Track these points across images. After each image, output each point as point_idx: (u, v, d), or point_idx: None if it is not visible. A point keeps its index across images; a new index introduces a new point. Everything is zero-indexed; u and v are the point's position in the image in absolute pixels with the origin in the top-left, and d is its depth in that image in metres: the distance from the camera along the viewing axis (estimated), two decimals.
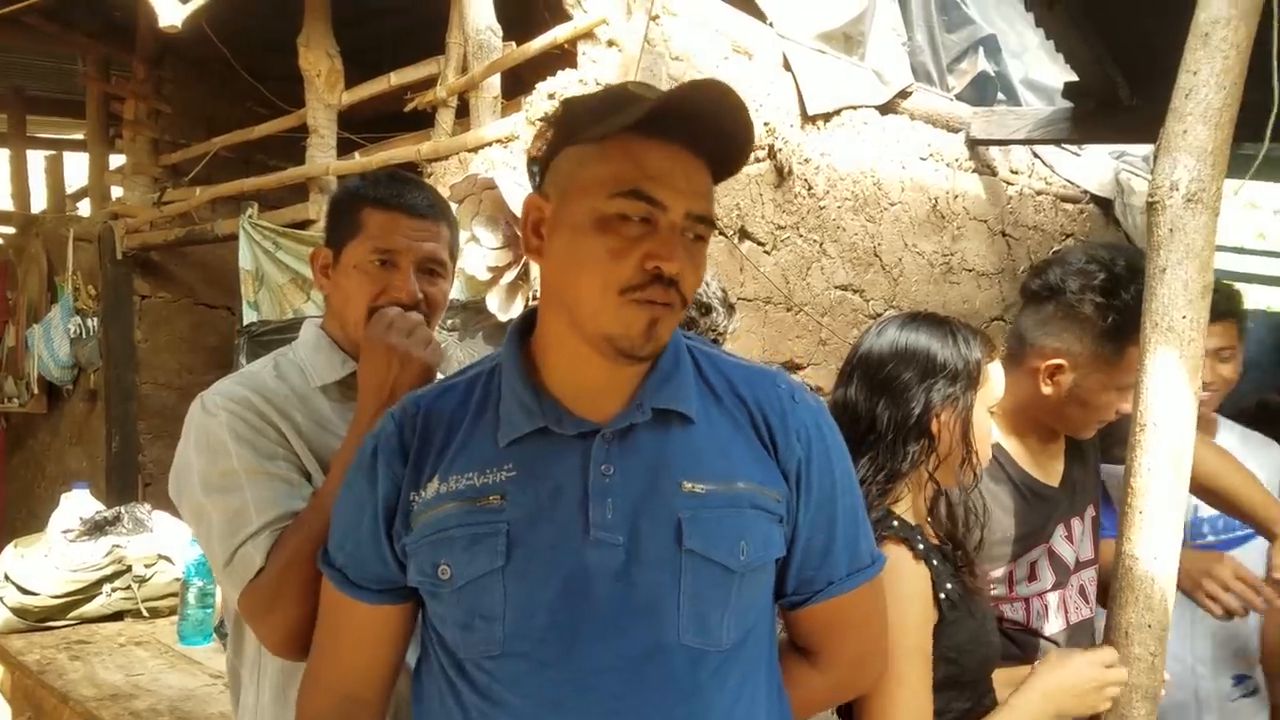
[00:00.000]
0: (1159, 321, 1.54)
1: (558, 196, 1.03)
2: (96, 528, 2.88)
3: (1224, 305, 1.71)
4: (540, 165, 1.08)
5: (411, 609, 1.13)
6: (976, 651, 1.44)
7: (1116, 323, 1.64)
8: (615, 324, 0.99)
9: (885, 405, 1.43)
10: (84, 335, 5.03)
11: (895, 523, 1.39)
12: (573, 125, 1.03)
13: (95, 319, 5.07)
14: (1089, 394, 1.68)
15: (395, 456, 1.08)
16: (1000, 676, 1.51)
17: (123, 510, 3.01)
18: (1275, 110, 1.65)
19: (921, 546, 1.38)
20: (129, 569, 2.96)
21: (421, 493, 1.06)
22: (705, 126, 0.98)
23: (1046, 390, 1.71)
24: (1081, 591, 1.85)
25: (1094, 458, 1.92)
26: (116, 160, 5.67)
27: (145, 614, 2.97)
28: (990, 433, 1.51)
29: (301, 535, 1.22)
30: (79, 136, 6.51)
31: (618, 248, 0.98)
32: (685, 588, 1.03)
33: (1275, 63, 1.62)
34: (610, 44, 2.62)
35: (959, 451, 1.44)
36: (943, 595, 1.37)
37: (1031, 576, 1.77)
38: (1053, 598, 1.79)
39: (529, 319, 1.13)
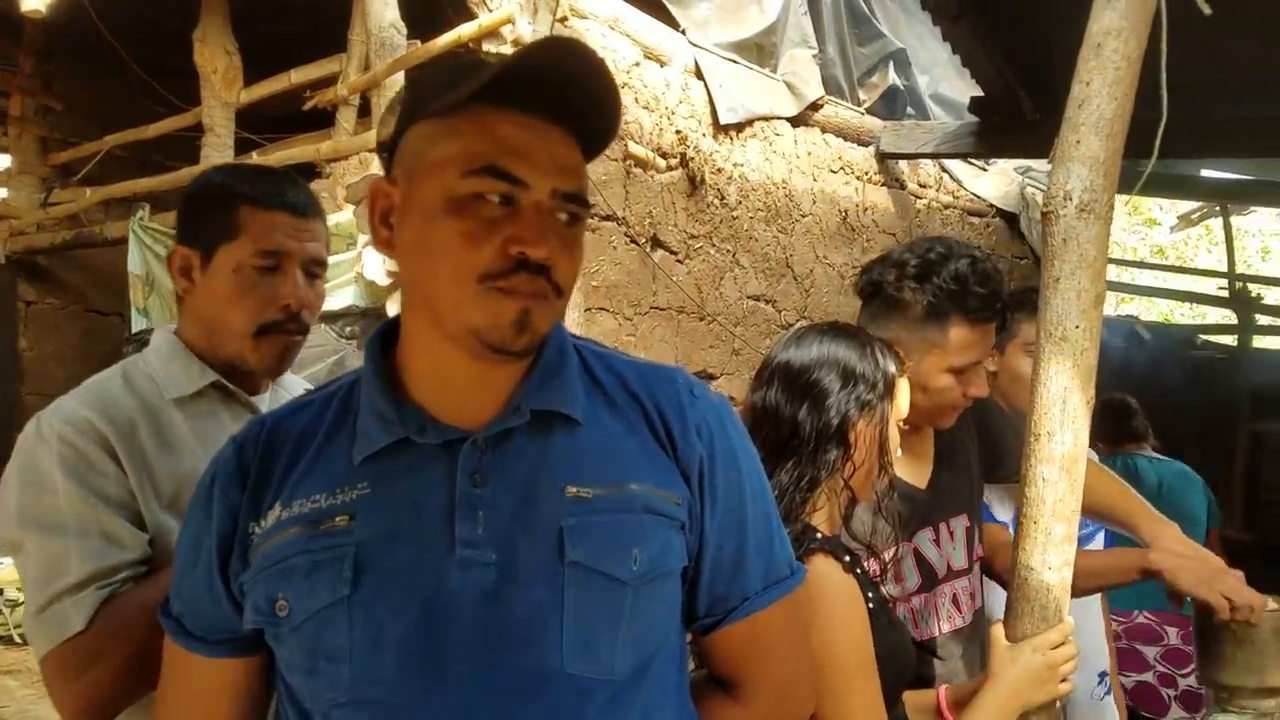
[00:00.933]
0: (1052, 331, 1.55)
1: (406, 179, 0.92)
2: None
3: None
4: (388, 148, 0.96)
5: (261, 664, 0.99)
6: (895, 664, 1.41)
7: (934, 304, 1.68)
8: (480, 315, 0.88)
9: (807, 411, 1.42)
10: None
11: (818, 534, 1.37)
12: (419, 99, 0.92)
13: None
14: (926, 378, 1.71)
15: (232, 483, 0.96)
16: (909, 700, 1.50)
17: None
18: (1163, 124, 1.69)
19: (848, 558, 1.35)
20: (0, 593, 2.79)
21: (261, 522, 0.94)
22: (568, 94, 0.88)
23: None
24: (954, 600, 1.85)
25: (970, 472, 1.93)
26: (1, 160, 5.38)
27: (17, 640, 2.80)
28: (898, 444, 1.52)
29: (142, 599, 1.10)
30: None
31: (473, 231, 0.87)
32: (569, 605, 0.92)
33: (1163, 76, 1.65)
34: (515, 43, 2.56)
35: (873, 461, 1.44)
36: (870, 607, 1.35)
37: (897, 577, 1.77)
38: (919, 601, 1.79)
39: (393, 325, 1.01)
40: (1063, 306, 1.55)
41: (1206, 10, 1.56)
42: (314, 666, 0.91)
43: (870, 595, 1.37)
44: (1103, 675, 2.34)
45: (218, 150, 3.73)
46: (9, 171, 5.09)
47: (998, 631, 1.48)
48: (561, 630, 0.91)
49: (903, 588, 1.78)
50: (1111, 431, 3.62)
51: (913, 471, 1.82)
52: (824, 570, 1.30)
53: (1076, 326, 1.55)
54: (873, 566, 1.55)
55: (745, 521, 1.04)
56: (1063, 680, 1.44)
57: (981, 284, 1.69)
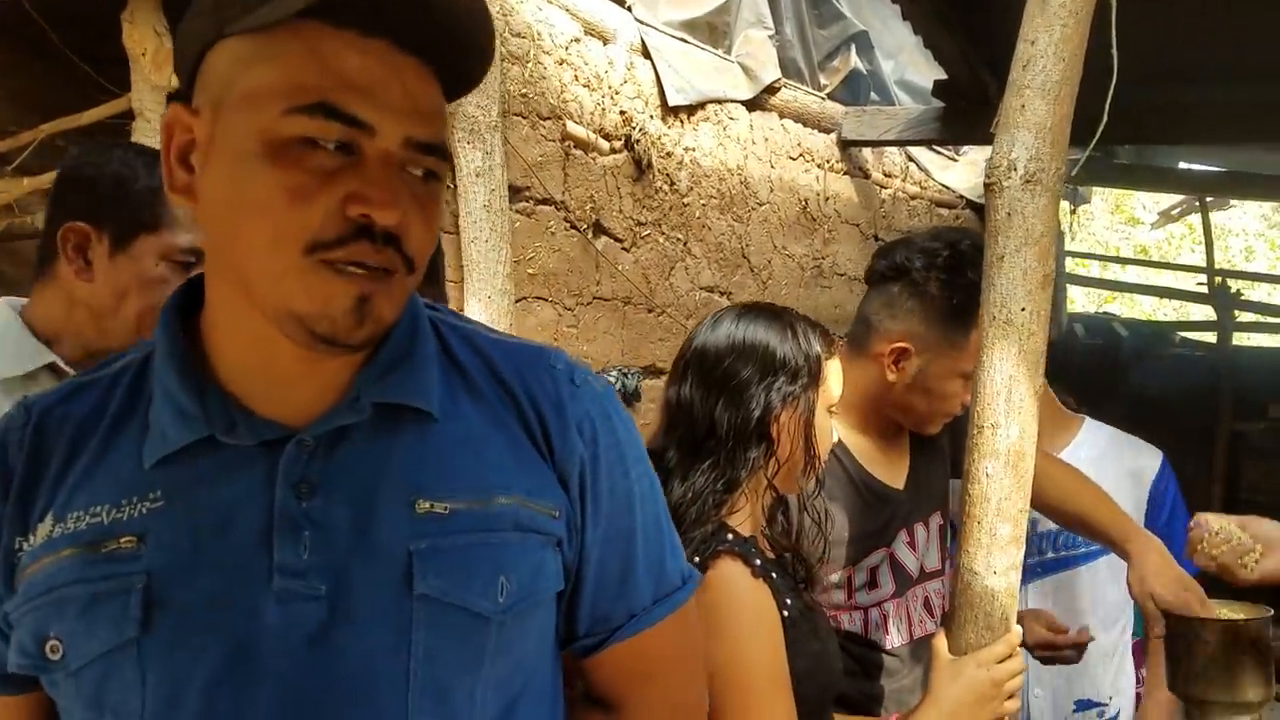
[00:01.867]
0: (996, 314, 1.44)
1: (210, 110, 0.73)
2: None
3: None
4: (184, 63, 0.76)
5: (36, 705, 0.82)
6: (818, 678, 1.31)
7: (961, 302, 1.58)
8: (305, 297, 0.70)
9: (724, 406, 1.32)
10: None
11: (729, 536, 1.26)
12: (233, 7, 0.72)
13: None
14: (933, 381, 1.62)
15: None
16: None
17: None
18: (1110, 92, 1.56)
19: (759, 562, 1.25)
20: None
21: (30, 537, 0.77)
22: (429, 16, 0.71)
23: (891, 377, 1.65)
24: (926, 604, 1.77)
25: (944, 464, 1.84)
26: None
27: None
28: (831, 434, 1.42)
29: None
30: None
31: (301, 185, 0.69)
32: (418, 650, 0.76)
33: (1114, 36, 1.52)
34: None
35: (799, 455, 1.35)
36: (785, 614, 1.25)
37: (872, 584, 1.68)
38: (891, 606, 1.69)
39: (194, 287, 0.83)
40: (1007, 287, 1.44)
41: None
42: None
43: (789, 602, 1.27)
44: (1086, 703, 2.20)
45: (148, 136, 3.55)
46: None
47: (940, 644, 1.36)
48: (408, 680, 0.75)
49: (876, 594, 1.67)
50: None
51: (890, 472, 1.72)
52: (731, 575, 1.20)
53: (1023, 309, 1.45)
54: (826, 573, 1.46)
55: (634, 531, 0.90)
56: (1009, 697, 1.32)
57: None
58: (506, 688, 0.81)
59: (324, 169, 0.70)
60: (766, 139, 3.73)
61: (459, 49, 0.75)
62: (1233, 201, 9.01)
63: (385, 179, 0.71)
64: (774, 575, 1.27)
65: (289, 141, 0.70)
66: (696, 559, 1.20)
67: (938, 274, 1.61)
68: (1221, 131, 3.64)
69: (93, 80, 4.69)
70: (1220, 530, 1.62)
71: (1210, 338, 6.78)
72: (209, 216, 0.75)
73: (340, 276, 0.70)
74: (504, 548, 0.80)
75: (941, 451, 1.83)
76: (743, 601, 1.19)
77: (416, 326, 0.84)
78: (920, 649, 1.69)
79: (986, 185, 1.50)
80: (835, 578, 1.63)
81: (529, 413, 0.85)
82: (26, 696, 0.80)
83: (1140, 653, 3.10)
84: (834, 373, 1.40)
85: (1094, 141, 1.62)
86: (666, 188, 3.26)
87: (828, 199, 4.06)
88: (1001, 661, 1.31)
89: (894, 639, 1.69)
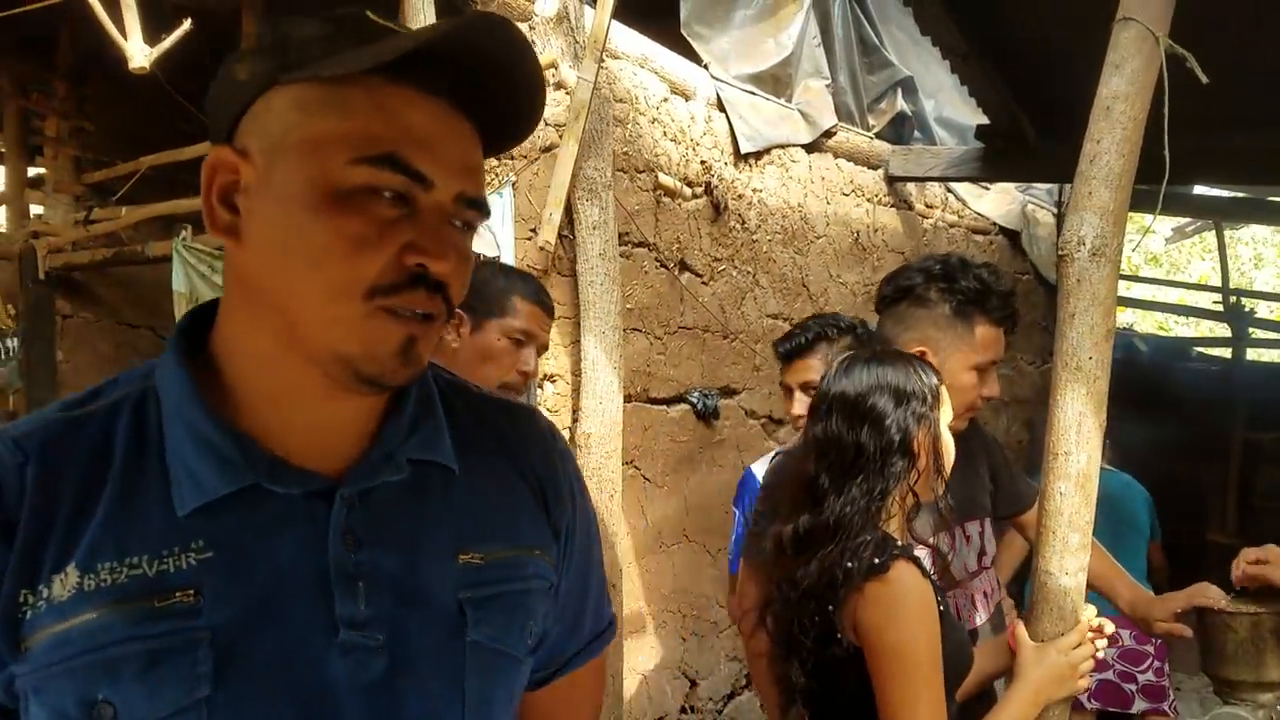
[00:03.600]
0: (1068, 361, 1.71)
1: (265, 154, 0.72)
2: None
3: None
4: (230, 109, 0.75)
5: None
6: (959, 663, 1.56)
7: (961, 303, 1.85)
8: (355, 341, 0.71)
9: (869, 434, 1.55)
10: (3, 356, 4.90)
11: (898, 543, 1.51)
12: (291, 54, 0.72)
13: (15, 339, 4.94)
14: (951, 375, 1.84)
15: None
16: None
17: None
18: (1168, 168, 1.86)
19: (925, 563, 1.50)
20: None
21: (41, 591, 0.69)
22: (483, 77, 0.73)
23: None
24: (986, 595, 2.01)
25: (984, 486, 2.09)
26: (33, 173, 5.53)
27: None
28: (952, 446, 1.67)
29: None
30: None
31: (362, 234, 0.70)
32: (471, 695, 0.79)
33: (1166, 129, 1.82)
34: (558, 86, 2.73)
35: (930, 464, 1.60)
36: (940, 608, 1.49)
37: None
38: (957, 593, 1.94)
39: (196, 325, 0.81)
40: (1077, 340, 1.72)
41: (1204, 79, 1.74)
42: None
43: (940, 599, 1.52)
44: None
45: None
46: (43, 190, 5.24)
47: (1022, 633, 1.62)
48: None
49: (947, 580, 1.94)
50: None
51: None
52: (906, 575, 1.45)
53: (1090, 358, 1.72)
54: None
55: (589, 576, 0.96)
56: (1081, 678, 1.59)
57: (999, 289, 1.86)
58: None
59: (384, 219, 0.71)
60: (823, 178, 4.04)
61: (510, 113, 0.78)
62: None
63: (439, 231, 0.73)
64: (930, 575, 1.52)
65: (352, 190, 0.70)
66: (875, 561, 1.44)
67: (936, 284, 1.86)
68: (1235, 173, 3.95)
69: (181, 112, 5.03)
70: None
71: (1225, 353, 7.03)
72: (254, 258, 0.73)
73: (394, 320, 0.72)
74: (527, 594, 0.84)
75: (981, 478, 2.09)
76: (915, 597, 1.44)
77: (427, 380, 0.85)
78: (974, 638, 1.92)
79: (1060, 256, 1.78)
80: None
81: (527, 469, 0.88)
82: None
83: (1165, 648, 3.40)
84: (944, 399, 1.66)
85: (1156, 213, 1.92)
86: (739, 226, 3.58)
87: (876, 230, 4.37)
88: (1075, 648, 1.59)
89: (969, 623, 1.94)
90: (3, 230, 5.57)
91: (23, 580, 0.69)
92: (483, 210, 0.77)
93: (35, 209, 5.35)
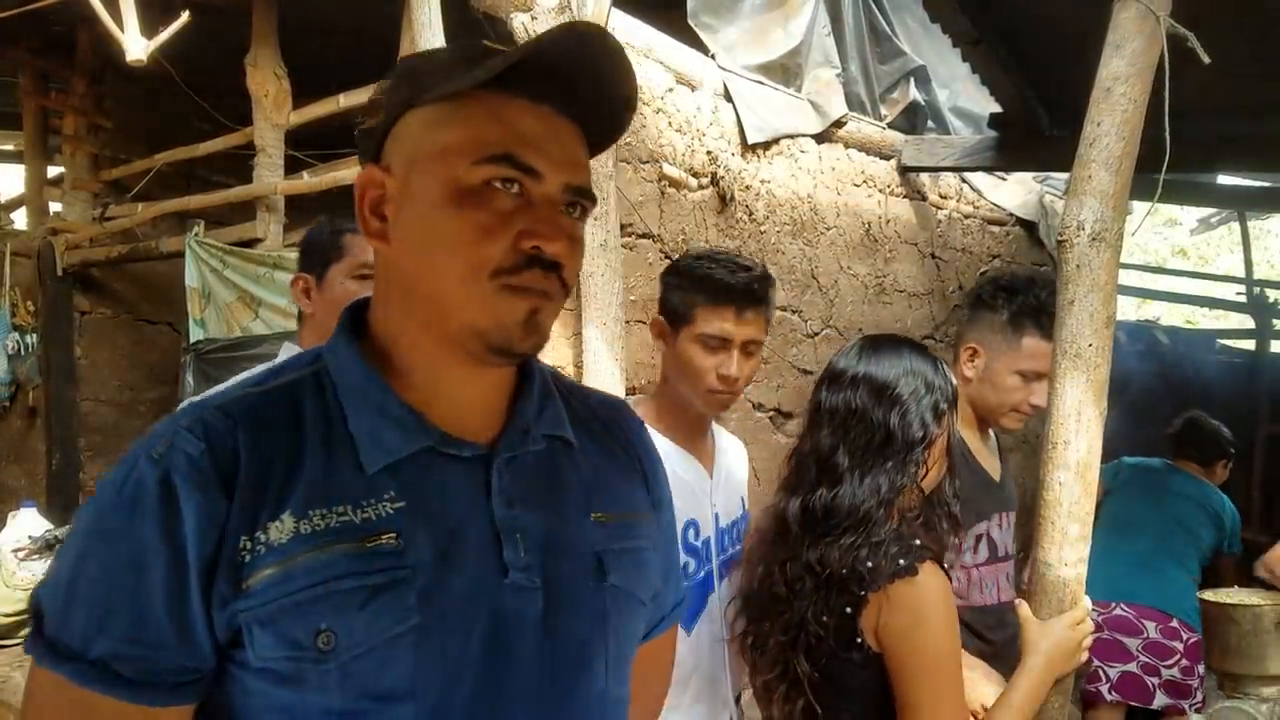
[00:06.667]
0: (1067, 349, 1.69)
1: (404, 167, 0.86)
2: (48, 546, 2.88)
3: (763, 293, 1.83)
4: (376, 134, 0.90)
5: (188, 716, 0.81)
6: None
7: (1014, 313, 2.05)
8: (486, 315, 0.83)
9: (898, 420, 1.54)
10: (22, 352, 4.96)
11: (918, 541, 1.51)
12: (419, 83, 0.86)
13: (34, 335, 5.00)
14: (996, 375, 2.06)
15: (212, 487, 0.78)
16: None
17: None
18: (1168, 152, 1.83)
19: (945, 564, 1.51)
20: None
21: (260, 537, 0.79)
22: (582, 84, 0.85)
23: (968, 373, 2.09)
24: (1007, 577, 2.14)
25: (1011, 475, 2.23)
26: (53, 171, 5.59)
27: None
28: (974, 444, 1.79)
29: None
30: (9, 147, 6.39)
31: (486, 223, 0.83)
32: (612, 631, 0.93)
33: (1166, 113, 1.79)
34: None
35: (943, 462, 1.61)
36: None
37: (975, 549, 2.04)
38: (985, 570, 2.06)
39: (356, 316, 0.94)
40: (1077, 327, 1.70)
41: (1205, 59, 1.70)
42: (356, 709, 0.79)
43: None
44: None
45: (270, 170, 3.91)
46: (61, 186, 5.29)
47: (1026, 610, 1.63)
48: (606, 652, 0.92)
49: (976, 559, 2.05)
50: (1209, 450, 3.69)
51: (991, 465, 2.15)
52: (933, 578, 1.46)
53: (1089, 345, 1.70)
54: None
55: (671, 550, 1.10)
56: (1083, 651, 1.62)
57: (1054, 309, 1.86)
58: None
59: (503, 209, 0.83)
60: (833, 168, 4.01)
61: (606, 112, 0.90)
62: None
63: (551, 217, 0.85)
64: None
65: (476, 187, 0.83)
66: (901, 560, 1.44)
67: (1000, 294, 2.09)
68: (1254, 160, 3.89)
69: (197, 110, 5.07)
70: None
71: (1248, 345, 6.93)
72: (402, 255, 0.87)
73: (517, 295, 0.84)
74: (644, 550, 0.99)
75: (1008, 472, 2.23)
76: (942, 600, 1.45)
77: (543, 372, 0.99)
78: (1008, 612, 1.98)
79: (1059, 242, 1.76)
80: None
81: (628, 446, 1.04)
82: (188, 709, 0.80)
83: (1197, 647, 3.34)
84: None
85: (1155, 199, 1.91)
86: (746, 218, 3.56)
87: (888, 221, 4.33)
88: (1079, 624, 1.60)
89: (989, 598, 2.07)
90: (22, 228, 5.66)
91: (244, 528, 0.79)
92: (589, 197, 0.88)
93: (54, 206, 5.42)
